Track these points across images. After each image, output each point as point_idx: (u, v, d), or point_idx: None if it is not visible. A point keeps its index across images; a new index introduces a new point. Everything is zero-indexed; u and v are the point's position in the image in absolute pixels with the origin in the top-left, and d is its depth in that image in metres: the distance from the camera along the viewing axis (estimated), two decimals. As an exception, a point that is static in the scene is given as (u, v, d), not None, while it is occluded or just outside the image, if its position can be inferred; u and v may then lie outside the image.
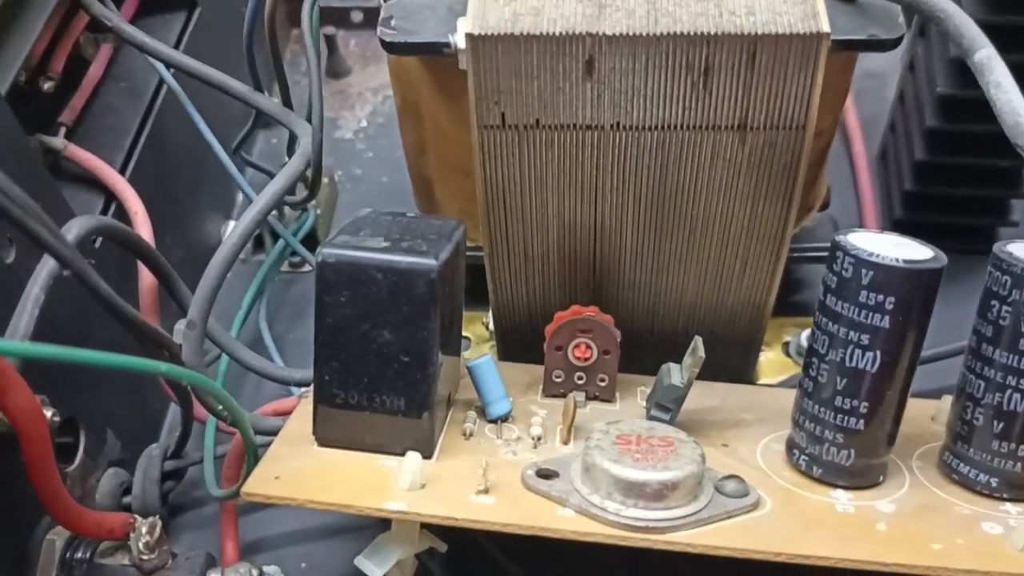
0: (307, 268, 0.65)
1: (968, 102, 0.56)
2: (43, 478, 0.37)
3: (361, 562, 0.40)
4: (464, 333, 0.58)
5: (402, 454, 0.40)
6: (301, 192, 0.57)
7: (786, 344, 0.57)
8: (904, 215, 0.62)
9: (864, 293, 0.37)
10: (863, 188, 0.66)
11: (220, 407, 0.42)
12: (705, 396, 0.46)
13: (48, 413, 0.40)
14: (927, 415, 0.45)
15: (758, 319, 0.49)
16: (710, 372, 0.48)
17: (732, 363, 0.52)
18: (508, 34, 0.39)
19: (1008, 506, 0.39)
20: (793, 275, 0.59)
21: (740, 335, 0.50)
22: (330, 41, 0.79)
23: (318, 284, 0.39)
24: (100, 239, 0.50)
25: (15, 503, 0.41)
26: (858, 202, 0.66)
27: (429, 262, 0.38)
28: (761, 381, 0.56)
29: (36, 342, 0.31)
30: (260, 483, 0.39)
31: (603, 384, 0.46)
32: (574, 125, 0.41)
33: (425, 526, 0.41)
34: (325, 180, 0.68)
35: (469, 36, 0.39)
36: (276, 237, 0.63)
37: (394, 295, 0.39)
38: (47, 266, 0.36)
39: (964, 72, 0.55)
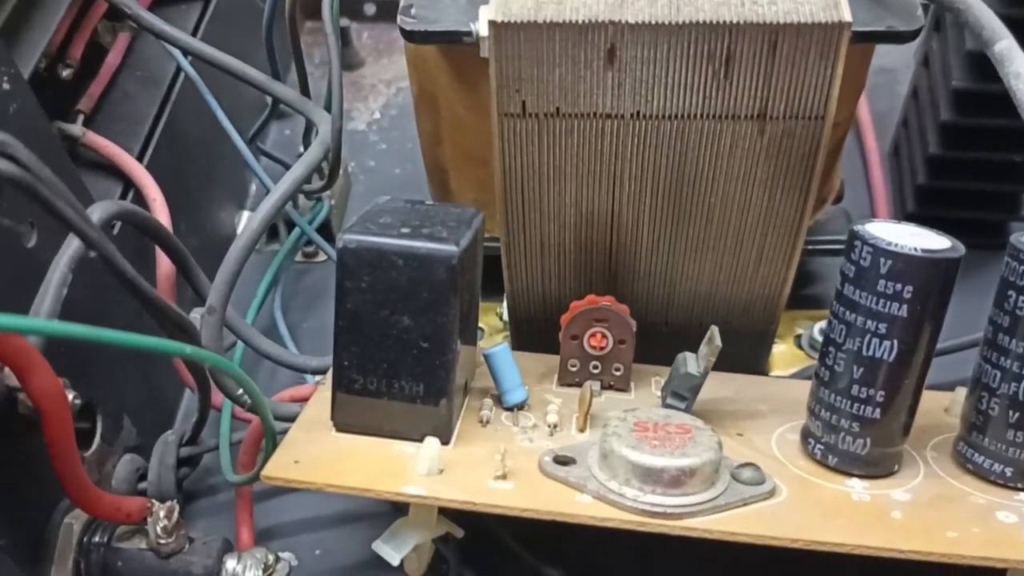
0: (321, 258, 0.65)
1: (983, 96, 0.56)
2: (64, 461, 0.38)
3: (379, 547, 0.40)
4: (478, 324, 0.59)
5: (420, 440, 0.40)
6: (317, 182, 0.58)
7: (798, 337, 0.58)
8: (916, 209, 0.62)
9: (882, 282, 0.37)
10: (875, 183, 0.66)
11: (240, 392, 0.43)
12: (719, 387, 0.47)
13: (70, 396, 0.40)
14: (941, 407, 0.45)
15: (772, 310, 0.50)
16: (724, 363, 0.48)
17: (745, 354, 0.52)
18: (531, 22, 0.39)
19: (1023, 496, 0.40)
20: (806, 268, 0.60)
21: (754, 326, 0.51)
22: (344, 33, 0.79)
23: (339, 269, 0.39)
24: (118, 225, 0.51)
25: (34, 486, 0.41)
26: (870, 196, 0.66)
27: (450, 248, 0.39)
28: (773, 373, 0.56)
29: (62, 321, 0.32)
30: (279, 467, 0.39)
31: (618, 373, 0.46)
32: (594, 113, 0.42)
33: (441, 512, 0.42)
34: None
35: (492, 23, 0.39)
36: (291, 227, 0.64)
37: (414, 281, 0.39)
38: (71, 247, 0.36)
39: (980, 66, 0.56)
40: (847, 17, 0.39)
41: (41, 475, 0.39)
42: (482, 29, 0.40)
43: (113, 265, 0.35)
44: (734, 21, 0.39)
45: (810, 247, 0.55)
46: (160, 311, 0.38)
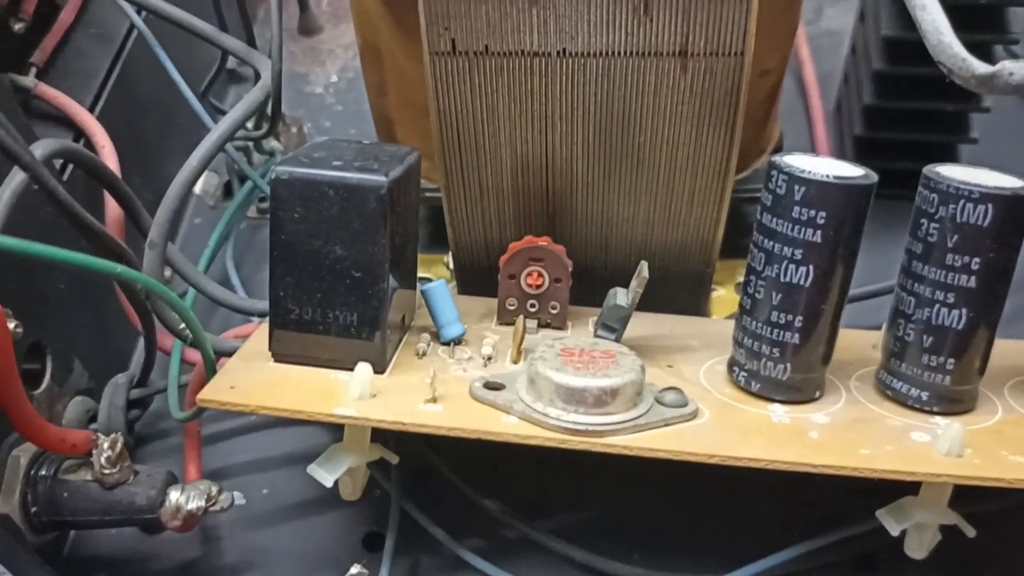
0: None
1: (913, 44, 0.57)
2: (5, 387, 0.38)
3: (314, 470, 0.41)
4: (426, 274, 0.60)
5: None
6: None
7: (739, 284, 0.59)
8: (855, 160, 0.63)
9: (797, 208, 0.39)
10: (818, 138, 0.67)
11: (182, 326, 0.44)
12: (655, 325, 0.48)
13: (11, 324, 0.41)
14: (869, 344, 0.47)
15: (708, 254, 0.51)
16: (663, 306, 0.50)
17: (684, 299, 0.53)
18: (456, -42, 0.40)
19: (938, 419, 0.41)
20: (747, 218, 0.61)
21: (691, 270, 0.52)
22: (302, 0, 0.80)
23: (272, 201, 0.40)
24: (69, 169, 0.52)
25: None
26: (813, 151, 0.67)
27: (379, 179, 0.40)
28: (713, 318, 0.57)
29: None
30: (216, 391, 0.41)
31: (555, 311, 0.47)
32: (522, 51, 0.43)
33: (378, 440, 0.43)
34: (294, 130, 0.69)
35: (419, -41, 0.41)
36: (244, 182, 0.64)
37: (345, 211, 0.40)
38: (16, 178, 0.38)
39: (909, 15, 0.57)
40: (759, -49, 0.40)
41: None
42: (411, -34, 0.41)
43: (48, 190, 0.37)
44: (651, -44, 0.40)
45: (749, 195, 0.56)
46: (98, 238, 0.40)
